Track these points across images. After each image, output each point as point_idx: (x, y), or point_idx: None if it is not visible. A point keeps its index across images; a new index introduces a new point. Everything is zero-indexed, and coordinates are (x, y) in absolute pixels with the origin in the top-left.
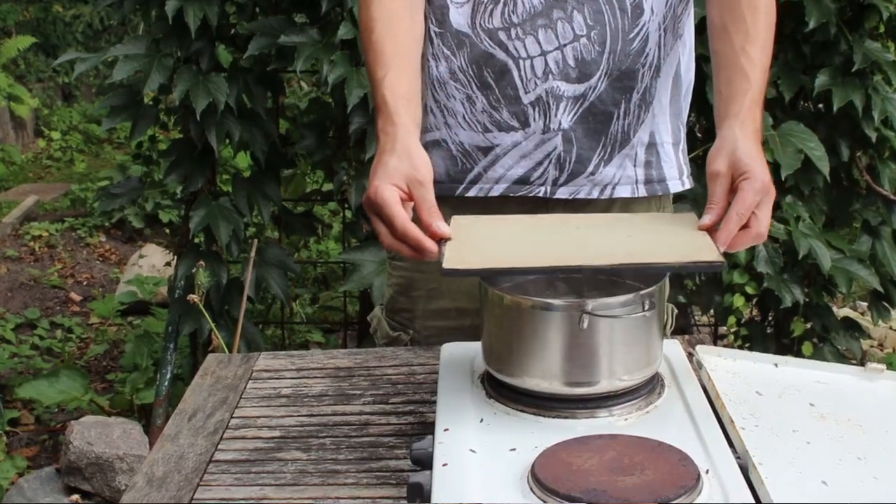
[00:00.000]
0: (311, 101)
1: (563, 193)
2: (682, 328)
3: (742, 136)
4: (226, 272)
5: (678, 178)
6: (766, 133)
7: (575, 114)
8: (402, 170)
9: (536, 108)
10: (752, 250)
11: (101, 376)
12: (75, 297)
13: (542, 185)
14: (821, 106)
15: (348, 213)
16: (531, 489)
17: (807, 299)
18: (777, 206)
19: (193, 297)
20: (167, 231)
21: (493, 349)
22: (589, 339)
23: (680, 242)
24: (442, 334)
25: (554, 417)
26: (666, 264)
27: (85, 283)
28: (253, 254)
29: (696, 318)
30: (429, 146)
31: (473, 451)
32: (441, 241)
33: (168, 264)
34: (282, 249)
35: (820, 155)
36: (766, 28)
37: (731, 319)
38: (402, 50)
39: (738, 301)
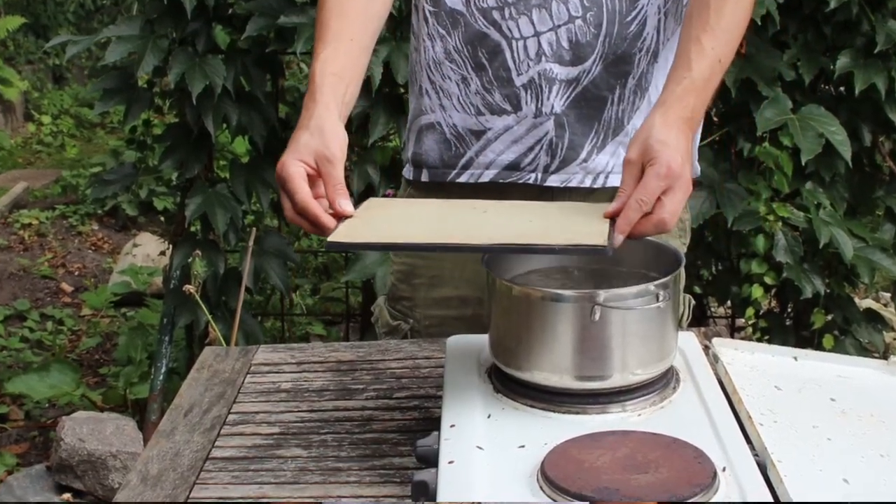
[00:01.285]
0: None
1: (554, 181)
2: (698, 320)
3: (660, 123)
4: (223, 262)
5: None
6: (786, 117)
7: (568, 98)
8: (311, 146)
9: (529, 91)
10: (770, 239)
11: (94, 370)
12: (66, 287)
13: (532, 171)
14: (842, 89)
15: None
16: (540, 487)
17: (828, 290)
18: (797, 193)
19: (189, 288)
20: (162, 219)
21: (502, 342)
22: (601, 332)
23: (576, 228)
24: (443, 324)
25: (564, 413)
26: (545, 246)
27: (76, 273)
28: (251, 243)
29: (713, 309)
30: (423, 129)
31: (480, 448)
32: (342, 219)
33: (163, 254)
34: (281, 238)
35: (841, 140)
36: (730, 20)
37: (749, 311)
38: (349, 29)
39: (757, 292)
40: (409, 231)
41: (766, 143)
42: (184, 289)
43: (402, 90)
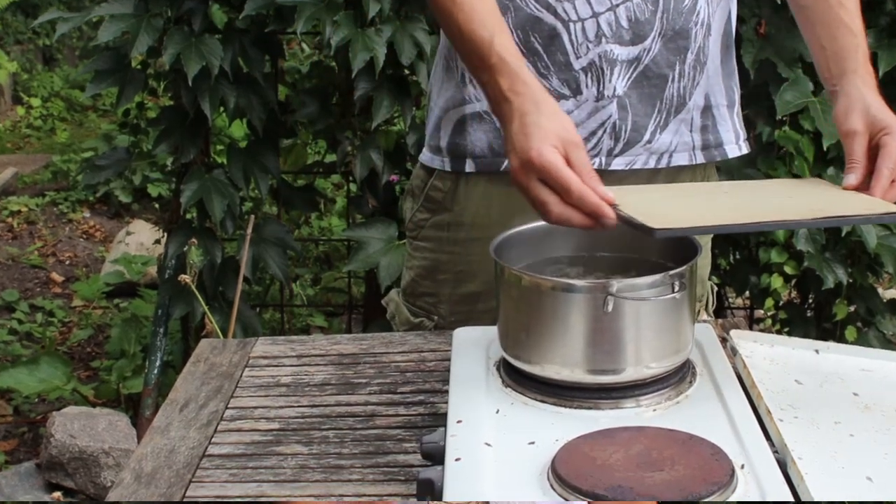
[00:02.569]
0: (313, 66)
1: (618, 164)
2: (715, 311)
3: (869, 93)
4: (220, 251)
5: (735, 143)
6: (807, 100)
7: (629, 78)
8: (556, 131)
9: (589, 74)
10: None
11: (85, 363)
12: (57, 277)
13: (596, 155)
14: None
15: (353, 187)
16: (551, 485)
17: (850, 280)
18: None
19: (185, 278)
20: (156, 206)
21: (511, 334)
22: (614, 323)
23: (848, 200)
24: (470, 319)
25: (576, 408)
26: (863, 216)
27: (67, 262)
28: (249, 231)
29: (731, 300)
30: (468, 119)
31: (489, 445)
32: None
33: (157, 242)
34: (281, 226)
35: None
36: None
37: (769, 302)
38: (493, 8)
39: (776, 282)
40: (708, 213)
41: (786, 127)
42: (179, 279)
43: (406, 72)
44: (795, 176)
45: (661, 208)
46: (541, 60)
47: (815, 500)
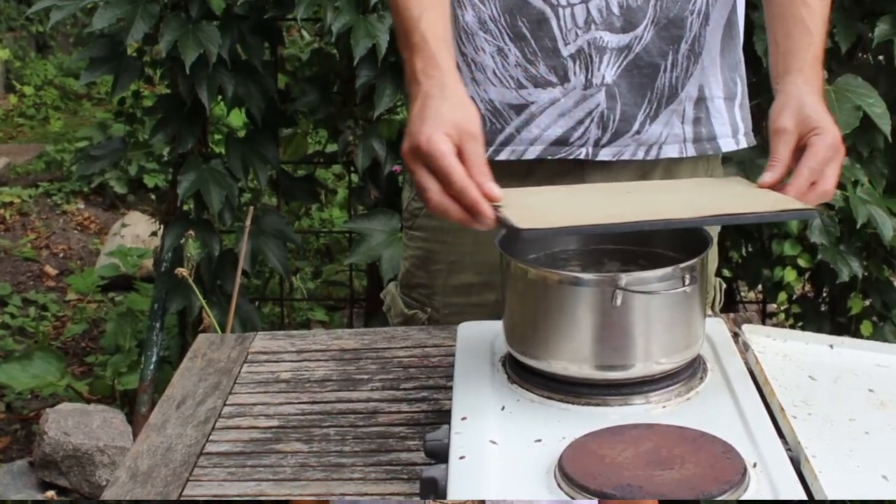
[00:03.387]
0: (314, 53)
1: (605, 155)
2: (727, 306)
3: (808, 93)
4: (218, 243)
5: (731, 137)
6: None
7: (619, 67)
8: (454, 119)
9: (577, 62)
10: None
11: (80, 359)
12: (50, 270)
13: (582, 146)
14: (881, 57)
15: (354, 178)
16: (558, 484)
17: (865, 273)
18: None
19: (182, 271)
20: (153, 197)
21: (516, 329)
22: (623, 318)
23: (753, 197)
24: (464, 312)
25: (584, 405)
26: (757, 213)
27: (61, 255)
28: (248, 222)
29: (743, 294)
30: None
31: (494, 443)
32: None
33: (154, 234)
34: (280, 217)
35: (880, 112)
36: None
37: (782, 296)
38: None
39: (790, 275)
40: (588, 213)
41: None
42: (176, 272)
43: None
44: None
45: (548, 208)
46: (528, 46)
47: (830, 498)
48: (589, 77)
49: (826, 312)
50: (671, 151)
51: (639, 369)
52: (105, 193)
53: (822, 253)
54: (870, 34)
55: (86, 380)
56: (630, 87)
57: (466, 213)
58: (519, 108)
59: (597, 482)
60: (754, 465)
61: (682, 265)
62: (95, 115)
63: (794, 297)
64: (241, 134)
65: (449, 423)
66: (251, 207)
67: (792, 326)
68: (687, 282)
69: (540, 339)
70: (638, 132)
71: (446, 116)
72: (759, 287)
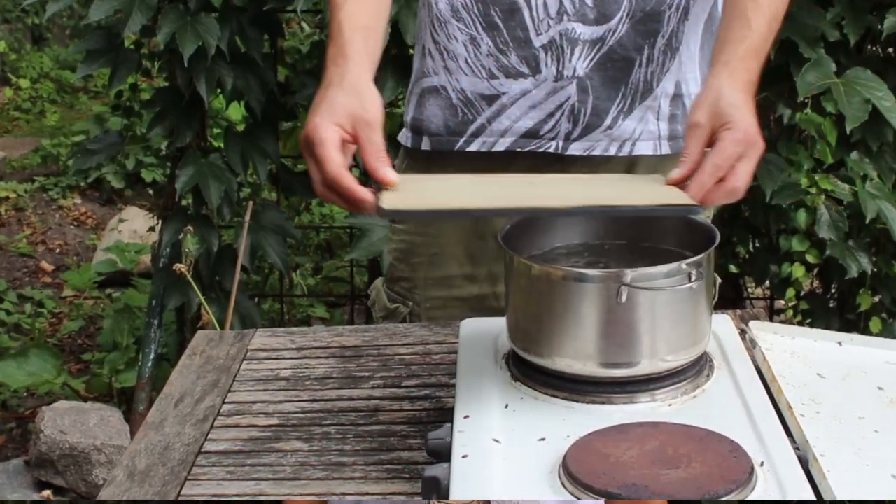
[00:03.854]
0: (314, 45)
1: (576, 149)
2: (734, 302)
3: (729, 86)
4: (217, 238)
5: None
6: (829, 81)
7: (592, 60)
8: (348, 107)
9: (549, 53)
10: (812, 213)
11: (76, 356)
12: (47, 266)
13: (553, 139)
14: (891, 50)
15: (355, 172)
16: (562, 484)
17: (875, 269)
18: (841, 164)
19: (180, 267)
20: (151, 192)
21: (520, 326)
22: (628, 315)
23: (646, 192)
24: (446, 306)
25: (588, 403)
26: (633, 206)
27: (58, 250)
28: (248, 218)
29: (750, 290)
30: (426, 93)
31: (497, 441)
32: (379, 192)
33: (152, 229)
34: (280, 213)
35: (890, 105)
36: None
37: (790, 292)
38: None
39: (798, 271)
40: (464, 198)
41: (807, 110)
42: (174, 268)
43: (411, 51)
44: (818, 161)
45: (432, 193)
46: (500, 35)
47: (838, 498)
48: (560, 69)
49: (834, 309)
50: (645, 148)
51: (644, 367)
52: (102, 188)
53: (830, 248)
54: (879, 26)
55: (82, 377)
56: (603, 80)
57: (345, 202)
58: (490, 99)
59: (602, 481)
60: (762, 465)
61: (689, 261)
62: (92, 108)
63: (802, 293)
64: (241, 127)
65: (451, 421)
66: (250, 202)
67: (800, 323)
68: (693, 278)
69: (544, 335)
70: (610, 127)
71: (340, 105)
72: (767, 283)
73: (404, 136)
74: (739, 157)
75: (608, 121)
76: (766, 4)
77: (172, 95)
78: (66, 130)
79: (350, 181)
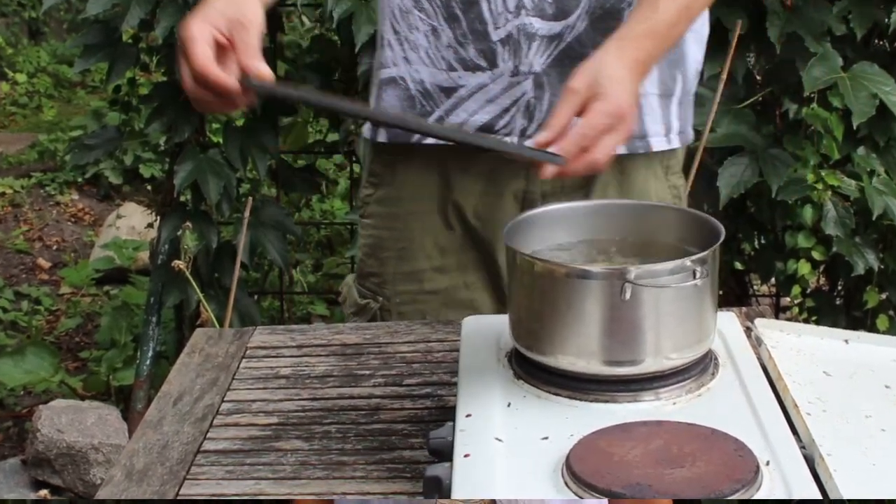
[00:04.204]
0: (314, 40)
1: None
2: (740, 299)
3: (614, 59)
4: (216, 235)
5: (663, 136)
6: (836, 76)
7: (549, 56)
8: (225, 13)
9: (506, 47)
10: (819, 209)
11: (74, 354)
12: (44, 263)
13: (507, 135)
14: None
15: (356, 168)
16: (566, 483)
17: (882, 266)
18: (848, 160)
19: (179, 264)
20: (149, 188)
21: (522, 323)
22: (632, 312)
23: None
24: (416, 301)
25: (592, 401)
26: (500, 142)
27: (55, 247)
28: (247, 214)
29: (756, 287)
30: (384, 84)
31: (499, 440)
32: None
33: (150, 226)
34: (280, 209)
35: None
36: None
37: (796, 289)
38: None
39: (804, 268)
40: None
41: (814, 105)
42: (173, 264)
43: None
44: (824, 156)
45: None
46: (459, 27)
47: (845, 498)
48: (517, 64)
49: (841, 306)
50: None
51: (648, 365)
52: (100, 184)
53: (836, 245)
54: (886, 20)
55: (80, 376)
56: (560, 77)
57: (216, 96)
58: (448, 91)
59: (605, 481)
60: (767, 464)
61: (693, 258)
62: (90, 103)
63: (809, 290)
64: (240, 123)
65: (453, 420)
66: (250, 198)
67: (806, 320)
68: (698, 275)
69: (547, 333)
70: None
71: (215, 9)
72: (773, 280)
73: (367, 128)
74: (606, 130)
75: None
76: None
77: (171, 90)
78: (64, 126)
79: (217, 73)
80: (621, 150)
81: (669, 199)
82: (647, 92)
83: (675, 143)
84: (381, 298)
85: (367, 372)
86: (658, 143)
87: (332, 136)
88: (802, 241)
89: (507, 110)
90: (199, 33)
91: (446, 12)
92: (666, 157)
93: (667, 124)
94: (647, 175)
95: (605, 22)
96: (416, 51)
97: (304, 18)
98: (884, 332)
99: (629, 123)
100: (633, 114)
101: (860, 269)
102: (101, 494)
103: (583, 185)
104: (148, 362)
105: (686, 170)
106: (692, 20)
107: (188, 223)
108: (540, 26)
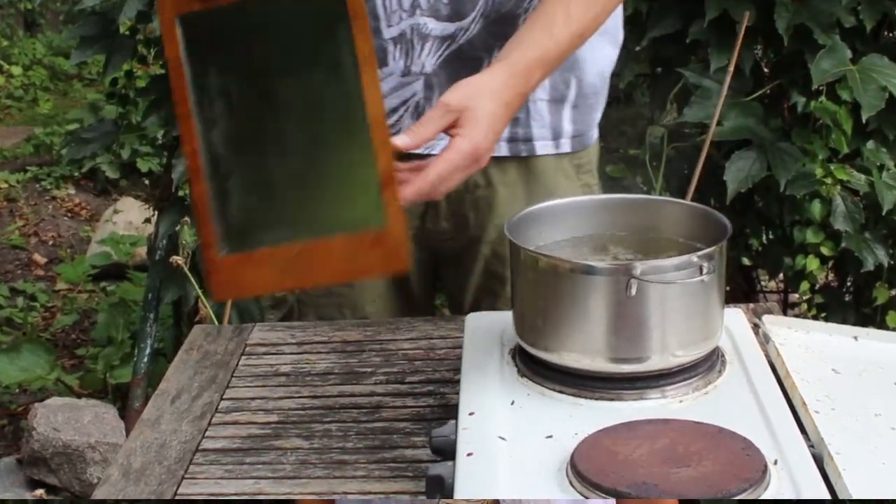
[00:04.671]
0: None
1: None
2: (747, 295)
3: (497, 91)
4: None
5: (550, 140)
6: (845, 69)
7: (440, 56)
8: None
9: (398, 46)
10: (828, 204)
11: (70, 351)
12: (39, 259)
13: (395, 135)
14: None
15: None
16: (570, 482)
17: (892, 261)
18: (857, 154)
19: (177, 259)
20: (146, 182)
21: (527, 320)
22: (638, 308)
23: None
24: (331, 293)
25: (597, 399)
26: None
27: (51, 242)
28: None
29: (763, 283)
30: None
31: (503, 439)
32: None
33: (148, 221)
34: None
35: None
36: None
37: (804, 285)
38: None
39: (812, 263)
40: None
41: (822, 98)
42: (171, 260)
43: None
44: (833, 150)
45: None
46: None
47: (854, 497)
48: (408, 64)
49: (850, 302)
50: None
51: (654, 362)
52: (96, 178)
53: (846, 240)
54: None
55: (76, 373)
56: (450, 79)
57: None
58: None
59: (610, 480)
60: (775, 463)
61: (700, 253)
62: (86, 96)
63: (817, 286)
64: None
65: (456, 418)
66: None
67: (815, 317)
68: (705, 271)
69: (551, 330)
70: None
71: None
72: (781, 276)
73: None
74: (459, 171)
75: None
76: (576, 20)
77: (169, 83)
78: (60, 119)
79: None
80: (504, 152)
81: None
82: (536, 97)
83: (566, 148)
84: (297, 291)
85: (369, 369)
86: (543, 148)
87: None
88: (811, 236)
89: (395, 110)
90: None
91: None
92: (576, 157)
93: (555, 129)
94: (556, 175)
95: (499, 26)
96: None
97: None
98: (893, 329)
99: (482, 164)
100: (488, 156)
101: (870, 265)
102: (98, 494)
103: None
104: (145, 359)
105: (693, 163)
106: (583, 43)
107: (186, 218)
108: (434, 27)
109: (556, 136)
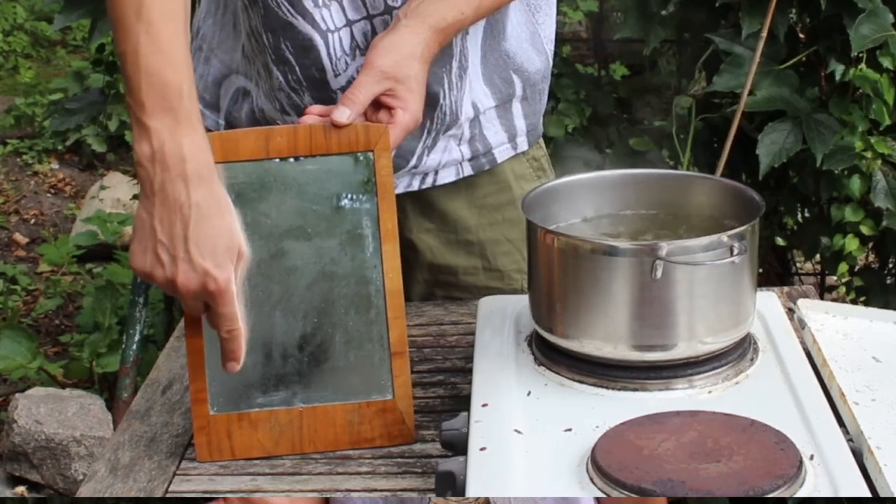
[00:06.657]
0: None
1: None
2: (781, 277)
3: (423, 56)
4: None
5: (507, 143)
6: (886, 34)
7: None
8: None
9: None
10: (867, 180)
11: (53, 338)
12: (20, 238)
13: None
14: None
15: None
16: (591, 479)
17: None
18: None
19: None
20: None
21: (544, 304)
22: (664, 292)
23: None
24: None
25: (619, 390)
26: None
27: (33, 221)
28: None
29: (799, 265)
30: (238, 94)
31: (519, 432)
32: None
33: (136, 198)
34: None
35: None
36: None
37: (842, 267)
38: (185, 47)
39: (851, 244)
40: None
41: (862, 66)
42: None
43: None
44: (873, 122)
45: None
46: (292, 72)
47: None
48: None
49: (892, 286)
50: (448, 175)
51: (681, 350)
52: (82, 152)
53: (887, 219)
54: None
55: (60, 361)
56: None
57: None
58: None
59: (634, 476)
60: (811, 458)
61: (731, 233)
62: (71, 63)
63: (856, 268)
64: None
65: (468, 410)
66: None
67: (854, 301)
68: (736, 251)
69: (570, 315)
70: (416, 166)
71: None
72: (817, 257)
73: (211, 119)
74: (401, 144)
75: (413, 161)
76: None
77: None
78: (42, 88)
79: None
80: (468, 171)
81: (532, 171)
82: (485, 108)
83: (523, 147)
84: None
85: None
86: (502, 153)
87: None
88: (850, 214)
89: None
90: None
91: (275, 55)
92: (531, 151)
93: (510, 130)
94: (517, 175)
95: (442, 52)
96: (258, 80)
97: None
98: None
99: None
100: (420, 119)
101: None
102: (84, 492)
103: None
104: (134, 347)
105: (723, 136)
106: (497, 9)
107: None
108: None
109: (513, 136)
